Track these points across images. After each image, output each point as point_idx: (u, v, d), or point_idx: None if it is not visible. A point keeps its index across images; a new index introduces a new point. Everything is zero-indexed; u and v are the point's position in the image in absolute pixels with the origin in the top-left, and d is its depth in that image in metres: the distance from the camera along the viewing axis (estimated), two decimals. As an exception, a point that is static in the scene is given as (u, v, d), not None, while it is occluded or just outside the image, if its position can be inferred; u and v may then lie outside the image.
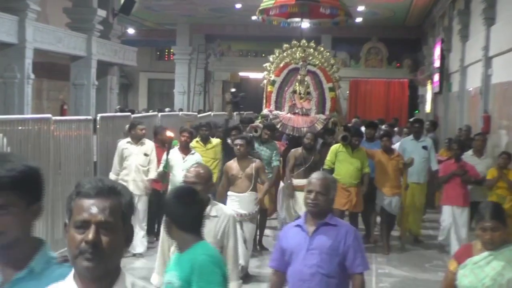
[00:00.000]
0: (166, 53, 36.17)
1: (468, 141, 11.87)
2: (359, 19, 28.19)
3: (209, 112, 22.49)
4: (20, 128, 8.40)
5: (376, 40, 31.18)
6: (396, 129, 17.99)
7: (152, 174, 9.79)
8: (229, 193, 8.52)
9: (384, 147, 10.35)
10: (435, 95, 25.18)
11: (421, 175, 11.01)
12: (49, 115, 9.77)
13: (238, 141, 8.41)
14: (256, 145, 9.91)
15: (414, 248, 10.92)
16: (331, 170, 9.65)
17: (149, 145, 9.88)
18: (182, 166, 8.82)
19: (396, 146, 11.29)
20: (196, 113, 20.11)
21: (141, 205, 9.57)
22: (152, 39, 33.02)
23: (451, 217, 9.69)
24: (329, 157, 9.99)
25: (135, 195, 8.37)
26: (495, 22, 15.00)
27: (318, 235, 4.49)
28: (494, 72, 14.86)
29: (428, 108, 27.17)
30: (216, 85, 34.07)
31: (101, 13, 20.40)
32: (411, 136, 11.50)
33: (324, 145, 10.89)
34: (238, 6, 23.64)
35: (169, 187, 9.07)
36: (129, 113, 14.91)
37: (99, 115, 11.72)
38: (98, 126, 10.80)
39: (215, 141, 10.89)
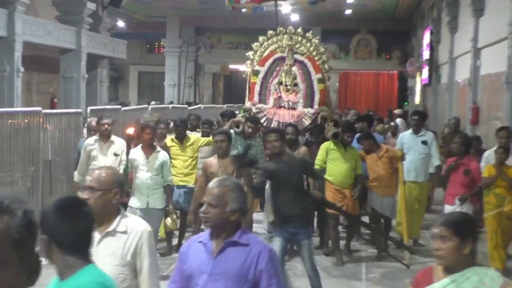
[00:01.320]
0: (156, 46, 36.15)
1: (456, 133, 11.21)
2: (348, 11, 28.29)
3: (199, 105, 22.43)
4: (10, 121, 8.57)
5: (365, 32, 31.34)
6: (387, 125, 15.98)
7: None
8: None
9: (364, 149, 9.33)
10: (424, 87, 25.28)
11: (420, 173, 9.74)
12: (39, 108, 9.86)
13: (218, 137, 7.44)
14: (238, 142, 8.85)
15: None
16: (323, 170, 8.74)
17: (119, 143, 8.62)
18: (147, 167, 7.92)
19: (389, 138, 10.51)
20: (186, 106, 20.07)
21: None
22: (142, 32, 32.99)
23: None
24: (319, 155, 8.84)
25: None
26: (483, 14, 15.08)
27: (223, 257, 3.59)
28: (483, 63, 14.97)
29: (417, 99, 27.32)
30: (206, 78, 34.17)
31: (91, 6, 20.41)
32: (410, 130, 10.27)
33: (312, 142, 9.75)
34: (227, -1, 23.63)
35: (133, 190, 8.02)
36: (119, 106, 14.93)
37: (89, 108, 11.78)
38: (88, 119, 10.46)
39: (193, 137, 9.52)
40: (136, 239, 3.91)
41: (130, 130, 8.38)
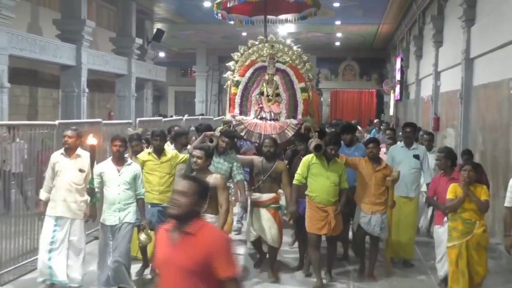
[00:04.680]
0: (189, 71, 35.98)
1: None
2: (337, 43, 28.37)
3: (222, 116, 22.47)
4: (78, 129, 8.43)
5: (350, 59, 31.16)
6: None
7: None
8: None
9: (369, 154, 6.78)
10: (397, 102, 25.19)
11: (411, 188, 7.41)
12: (100, 120, 9.83)
13: (196, 153, 5.59)
14: (212, 157, 6.37)
15: (404, 274, 7.15)
16: (303, 187, 6.57)
17: (86, 158, 6.21)
18: (118, 181, 5.95)
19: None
20: (212, 117, 20.11)
21: (74, 230, 6.24)
22: (178, 61, 32.96)
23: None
24: (300, 170, 6.54)
25: (66, 219, 6.15)
26: (442, 45, 15.03)
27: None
28: (442, 83, 14.83)
29: (391, 112, 27.18)
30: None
31: (138, 41, 20.48)
32: (401, 143, 7.90)
33: (296, 153, 7.49)
34: (244, 34, 23.61)
35: (104, 206, 6.09)
36: (160, 117, 15.05)
37: (138, 119, 11.83)
38: (136, 127, 10.02)
39: (171, 152, 6.96)
40: None
41: (93, 140, 5.89)
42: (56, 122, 7.97)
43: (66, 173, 6.18)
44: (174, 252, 2.94)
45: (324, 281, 6.59)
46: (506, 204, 5.24)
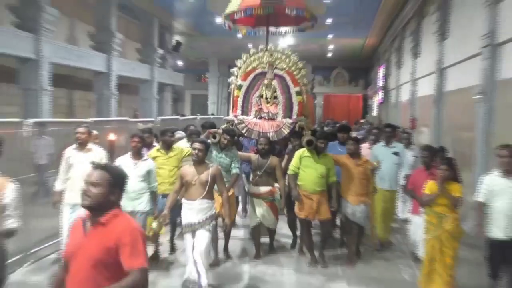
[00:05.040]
0: (202, 77, 36.06)
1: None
2: (330, 54, 28.36)
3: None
4: (108, 126, 8.37)
5: (341, 68, 31.05)
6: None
7: None
8: (183, 200, 5.38)
9: (348, 151, 6.47)
10: (380, 104, 25.21)
11: (392, 182, 7.24)
12: (127, 118, 9.92)
13: (196, 145, 5.30)
14: (214, 152, 6.48)
15: (385, 256, 6.86)
16: (296, 175, 6.38)
17: (97, 152, 6.14)
18: (134, 173, 5.81)
19: (364, 147, 7.64)
20: (222, 116, 20.11)
21: None
22: (193, 68, 32.93)
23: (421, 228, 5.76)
24: (293, 161, 6.39)
25: (79, 205, 5.65)
26: (419, 56, 15.08)
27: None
28: (418, 89, 14.95)
29: (375, 113, 27.20)
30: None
31: (160, 51, 20.54)
32: (382, 142, 7.62)
33: (293, 149, 7.10)
34: (250, 45, 23.64)
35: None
36: (178, 116, 15.09)
37: (159, 117, 11.88)
38: (158, 124, 10.03)
39: (177, 148, 6.83)
40: None
41: (111, 136, 6.19)
42: (90, 119, 8.04)
43: (79, 165, 5.92)
44: (84, 241, 2.60)
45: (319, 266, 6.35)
46: (477, 199, 5.04)
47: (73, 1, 16.70)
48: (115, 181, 2.71)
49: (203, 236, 5.14)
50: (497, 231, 4.85)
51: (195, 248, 5.12)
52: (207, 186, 5.17)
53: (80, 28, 16.98)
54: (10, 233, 3.67)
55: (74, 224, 2.78)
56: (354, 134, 11.84)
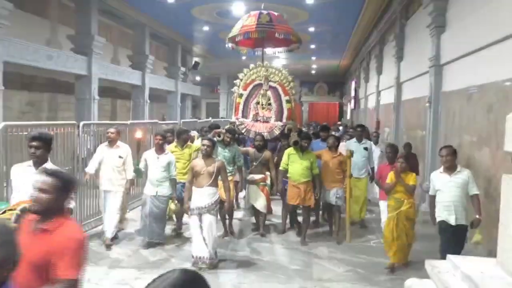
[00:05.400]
0: (215, 89, 36.07)
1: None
2: (313, 71, 28.36)
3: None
4: (141, 127, 8.29)
5: (322, 82, 31.04)
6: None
7: (129, 175, 5.94)
8: (193, 187, 5.17)
9: (328, 144, 6.40)
10: (352, 110, 25.24)
11: (362, 171, 7.08)
12: (156, 120, 9.89)
13: (205, 142, 5.20)
14: (219, 148, 6.36)
15: (360, 233, 6.68)
16: (285, 171, 6.21)
17: (124, 148, 5.97)
18: (157, 164, 5.77)
19: (342, 145, 7.01)
20: (230, 119, 19.98)
21: (115, 200, 5.85)
22: (208, 82, 32.89)
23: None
24: (283, 159, 6.25)
25: (110, 191, 5.86)
26: (382, 73, 15.08)
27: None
28: (382, 98, 14.93)
29: (348, 117, 27.21)
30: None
31: (182, 69, 20.43)
32: (354, 139, 7.45)
33: (282, 147, 7.12)
34: (252, 65, 23.71)
35: (146, 182, 5.92)
36: (196, 119, 15.17)
37: (182, 120, 12.00)
38: (180, 126, 9.65)
39: (189, 145, 6.64)
40: None
41: (139, 134, 6.19)
42: (128, 122, 8.12)
43: (109, 159, 5.84)
44: (28, 245, 2.01)
45: (302, 247, 6.00)
46: (430, 193, 4.84)
47: (116, 32, 16.76)
48: (64, 187, 2.16)
49: (209, 219, 5.04)
50: (442, 217, 4.58)
51: (203, 228, 5.00)
52: (213, 176, 5.06)
53: (121, 52, 17.01)
54: (68, 212, 2.78)
55: (23, 226, 2.23)
56: (332, 133, 11.92)
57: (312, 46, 19.08)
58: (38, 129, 4.24)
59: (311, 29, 15.58)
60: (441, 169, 4.70)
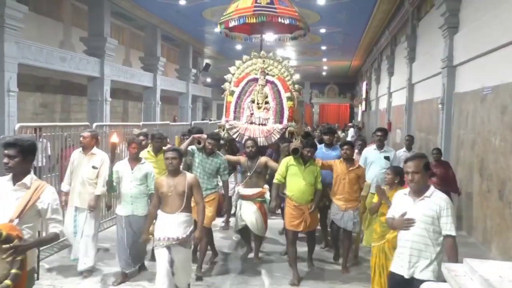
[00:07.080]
0: (225, 91, 36.23)
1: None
2: (324, 73, 28.28)
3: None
4: (154, 128, 8.17)
5: (332, 83, 30.99)
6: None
7: (99, 190, 4.72)
8: (159, 212, 3.94)
9: (344, 155, 5.03)
10: (363, 112, 25.13)
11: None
12: (168, 122, 9.94)
13: (169, 154, 3.88)
14: (200, 157, 4.99)
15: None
16: (282, 185, 4.88)
17: (99, 157, 4.82)
18: (131, 177, 4.58)
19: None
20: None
21: (90, 221, 4.75)
22: (218, 83, 33.00)
23: None
24: (279, 170, 4.88)
25: (80, 209, 4.75)
26: (393, 74, 15.02)
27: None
28: (393, 100, 14.84)
29: (359, 118, 27.10)
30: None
31: (193, 71, 20.49)
32: (374, 146, 6.07)
33: (283, 149, 5.59)
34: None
35: (119, 200, 4.68)
36: (207, 121, 15.15)
37: (192, 121, 12.01)
38: (191, 127, 8.75)
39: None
40: None
41: (114, 139, 4.28)
42: (140, 123, 8.04)
43: (80, 168, 4.77)
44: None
45: (306, 269, 5.10)
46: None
47: (128, 34, 16.92)
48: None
49: (184, 253, 3.87)
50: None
51: (175, 265, 3.83)
52: (185, 197, 3.84)
53: (133, 54, 17.16)
54: (54, 237, 2.68)
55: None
56: (342, 135, 11.42)
57: (323, 48, 19.04)
58: (16, 135, 3.56)
59: (322, 30, 15.56)
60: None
